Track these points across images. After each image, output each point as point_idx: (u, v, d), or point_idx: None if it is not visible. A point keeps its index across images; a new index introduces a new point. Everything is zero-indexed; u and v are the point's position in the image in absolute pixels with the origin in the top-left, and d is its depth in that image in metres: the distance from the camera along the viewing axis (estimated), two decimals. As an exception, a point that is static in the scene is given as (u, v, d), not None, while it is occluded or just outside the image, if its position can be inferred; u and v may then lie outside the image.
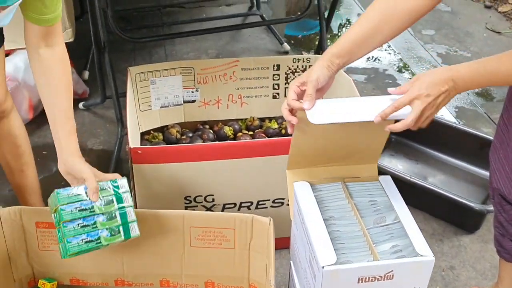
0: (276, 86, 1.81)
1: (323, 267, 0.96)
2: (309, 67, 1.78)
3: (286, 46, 2.67)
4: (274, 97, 1.83)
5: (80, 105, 2.23)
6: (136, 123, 1.70)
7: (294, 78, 1.80)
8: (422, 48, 2.76)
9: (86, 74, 2.40)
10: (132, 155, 1.34)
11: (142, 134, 1.76)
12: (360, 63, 2.65)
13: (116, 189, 1.20)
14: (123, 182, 1.22)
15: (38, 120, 2.07)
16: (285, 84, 1.81)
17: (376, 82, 2.49)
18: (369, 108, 1.01)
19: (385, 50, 2.77)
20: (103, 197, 1.17)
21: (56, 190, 1.16)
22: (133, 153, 1.34)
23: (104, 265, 1.30)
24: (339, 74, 1.70)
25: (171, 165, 1.37)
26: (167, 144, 1.74)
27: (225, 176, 1.42)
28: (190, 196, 1.44)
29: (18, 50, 2.05)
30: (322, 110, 1.01)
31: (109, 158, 1.95)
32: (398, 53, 2.73)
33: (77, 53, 2.31)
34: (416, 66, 2.63)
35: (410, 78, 2.51)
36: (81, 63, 2.42)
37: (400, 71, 2.59)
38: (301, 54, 2.71)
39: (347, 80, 1.65)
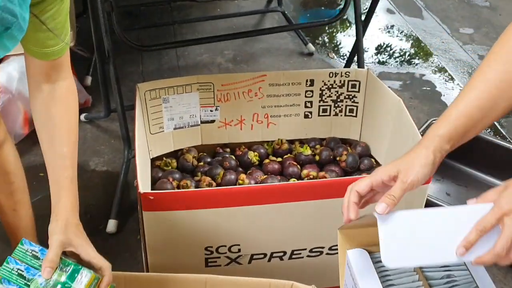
0: (308, 104, 1.56)
1: None
2: (348, 82, 1.53)
3: (311, 47, 2.41)
4: (306, 116, 1.57)
5: (82, 117, 1.98)
6: (146, 148, 1.45)
7: (329, 95, 1.55)
8: (461, 49, 2.49)
9: (89, 80, 2.15)
10: (143, 202, 1.10)
11: (153, 160, 1.52)
12: (394, 67, 2.38)
13: (70, 281, 0.89)
14: (84, 279, 0.90)
15: (34, 136, 1.81)
16: (319, 101, 1.55)
17: (413, 89, 2.23)
18: (451, 233, 0.76)
19: (417, 47, 2.50)
20: (52, 279, 0.89)
21: (23, 239, 0.95)
22: (143, 199, 1.10)
23: None
24: (384, 91, 1.46)
25: (190, 212, 1.13)
26: (182, 172, 1.50)
27: (254, 224, 1.17)
28: (211, 247, 1.19)
29: (12, 57, 1.80)
30: (398, 243, 0.77)
31: (114, 182, 1.71)
32: (435, 55, 2.45)
33: (79, 55, 2.05)
34: (456, 70, 2.36)
35: (449, 82, 2.24)
36: (83, 67, 2.17)
37: (438, 76, 2.33)
38: (328, 55, 2.44)
39: (395, 101, 1.39)
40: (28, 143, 1.85)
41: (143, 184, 1.14)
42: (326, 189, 1.16)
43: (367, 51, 2.46)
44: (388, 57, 2.45)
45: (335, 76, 1.52)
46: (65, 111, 1.02)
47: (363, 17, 1.88)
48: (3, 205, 1.29)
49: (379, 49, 2.51)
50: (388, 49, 2.52)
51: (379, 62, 2.41)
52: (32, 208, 1.34)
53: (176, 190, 1.23)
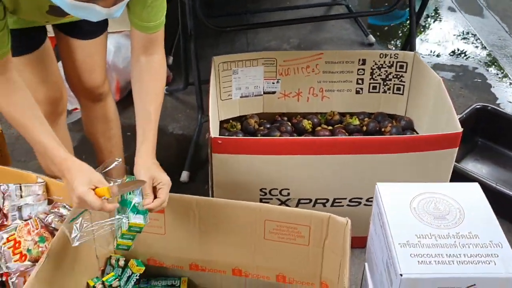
0: (360, 81, 1.77)
1: (401, 274, 0.93)
2: (396, 63, 1.73)
3: (371, 38, 2.60)
4: (357, 92, 1.78)
5: (163, 89, 2.29)
6: (216, 111, 1.72)
7: (379, 74, 1.75)
8: (517, 47, 2.60)
9: (170, 60, 2.46)
10: (213, 145, 1.36)
11: (221, 123, 1.78)
12: (448, 59, 2.53)
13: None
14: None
15: (124, 102, 2.15)
16: (370, 79, 1.76)
17: (464, 80, 2.37)
18: None
19: (473, 43, 2.63)
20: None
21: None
22: (213, 142, 1.35)
23: (181, 249, 1.34)
24: (428, 72, 1.64)
25: (250, 156, 1.37)
26: (244, 134, 1.75)
27: (303, 172, 1.40)
28: (265, 189, 1.44)
29: (109, 34, 2.13)
30: None
31: (188, 143, 1.99)
32: (490, 51, 2.58)
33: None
34: (509, 66, 2.48)
35: (501, 75, 2.37)
36: (166, 48, 2.46)
37: (491, 70, 2.45)
38: (387, 47, 2.63)
39: (436, 80, 1.57)
40: (118, 108, 2.16)
41: (214, 131, 1.40)
42: (368, 145, 1.37)
43: (426, 42, 2.62)
44: (444, 50, 2.61)
45: (385, 57, 1.72)
46: (155, 79, 1.23)
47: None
48: (102, 147, 1.60)
49: (438, 43, 2.67)
50: (446, 43, 2.67)
51: (436, 55, 2.57)
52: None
53: (240, 137, 1.48)
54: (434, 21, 2.89)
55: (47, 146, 1.09)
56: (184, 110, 2.22)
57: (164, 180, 1.15)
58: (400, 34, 2.77)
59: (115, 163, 1.19)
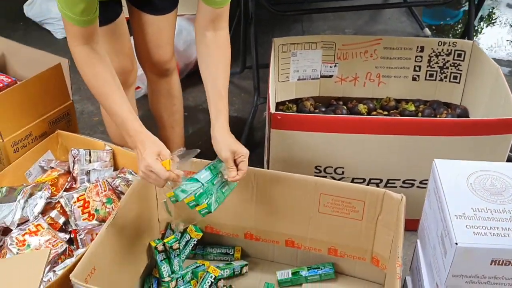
0: (417, 68, 1.78)
1: (456, 243, 0.95)
2: (454, 51, 1.74)
3: (427, 31, 2.60)
4: (413, 79, 1.80)
5: (220, 73, 2.36)
6: (274, 92, 1.77)
7: (437, 62, 1.76)
8: None
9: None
10: (272, 120, 1.41)
11: (277, 105, 1.83)
12: (504, 55, 2.50)
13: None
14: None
15: (182, 84, 2.23)
16: (427, 67, 1.77)
17: (522, 75, 2.34)
18: None
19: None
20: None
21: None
22: (273, 118, 1.41)
23: (238, 218, 1.40)
24: (486, 60, 1.64)
25: (307, 133, 1.42)
26: (300, 115, 1.79)
27: (358, 151, 1.44)
28: (320, 166, 1.48)
29: (171, 17, 2.22)
30: None
31: (243, 125, 2.05)
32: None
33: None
34: None
35: None
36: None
37: (551, 66, 2.41)
38: (442, 40, 2.62)
39: (494, 68, 1.58)
40: (177, 89, 2.25)
41: (273, 107, 1.45)
42: (424, 126, 1.38)
43: (479, 44, 2.60)
44: (502, 46, 2.57)
45: (443, 45, 1.73)
46: (222, 54, 1.28)
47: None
48: (164, 122, 1.67)
49: (495, 40, 2.63)
50: (503, 39, 2.63)
51: (492, 50, 2.54)
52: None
53: (298, 114, 1.53)
54: (487, 24, 2.85)
55: (124, 118, 1.17)
56: (239, 94, 2.28)
57: (244, 153, 1.22)
58: (455, 32, 2.75)
59: (195, 153, 1.25)
